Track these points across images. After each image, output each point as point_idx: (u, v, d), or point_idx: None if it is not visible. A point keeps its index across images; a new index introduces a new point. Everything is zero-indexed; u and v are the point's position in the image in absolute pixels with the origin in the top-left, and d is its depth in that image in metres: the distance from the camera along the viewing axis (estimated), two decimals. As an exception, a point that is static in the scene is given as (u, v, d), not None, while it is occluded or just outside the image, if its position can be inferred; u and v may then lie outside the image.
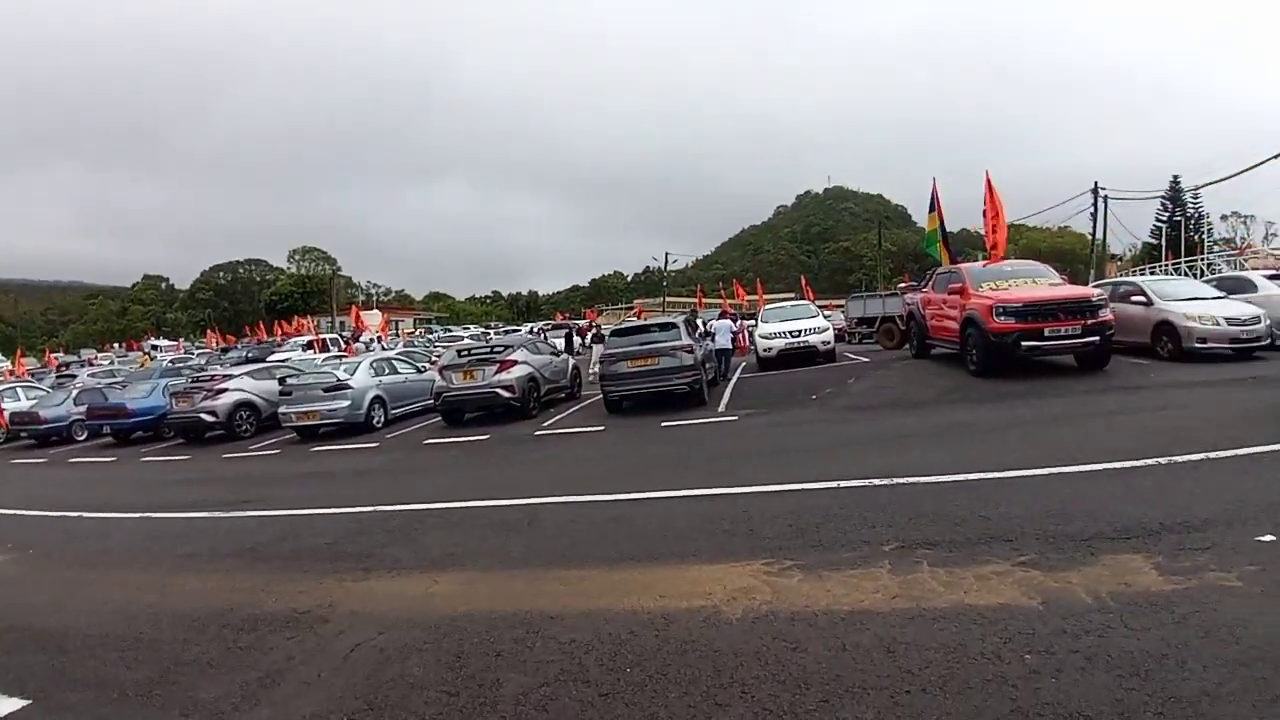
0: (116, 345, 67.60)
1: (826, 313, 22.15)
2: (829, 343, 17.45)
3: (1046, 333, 10.72)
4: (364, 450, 12.30)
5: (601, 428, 11.55)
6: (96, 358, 50.12)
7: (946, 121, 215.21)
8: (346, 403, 14.04)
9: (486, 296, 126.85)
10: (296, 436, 14.49)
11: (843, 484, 6.02)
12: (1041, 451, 6.53)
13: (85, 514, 9.00)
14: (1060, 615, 3.29)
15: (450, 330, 56.91)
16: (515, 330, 45.02)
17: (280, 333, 50.56)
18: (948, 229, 17.04)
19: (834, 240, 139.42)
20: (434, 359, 19.07)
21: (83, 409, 18.67)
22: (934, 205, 16.97)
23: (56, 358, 50.91)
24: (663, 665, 3.24)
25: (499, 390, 13.17)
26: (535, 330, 37.69)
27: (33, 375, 32.80)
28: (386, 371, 15.79)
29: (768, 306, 23.39)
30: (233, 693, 3.52)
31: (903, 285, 26.35)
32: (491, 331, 46.53)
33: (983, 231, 16.26)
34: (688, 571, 4.40)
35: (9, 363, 47.69)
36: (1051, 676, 2.81)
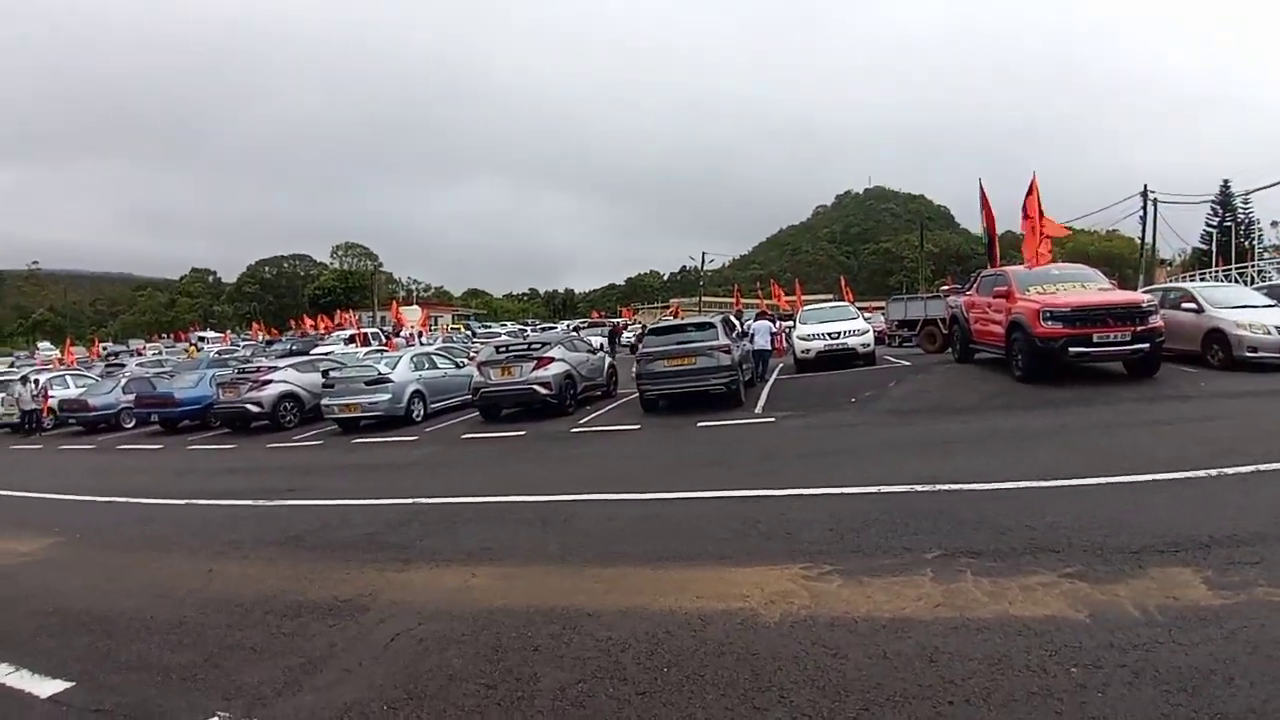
0: (164, 336, 69.75)
1: (866, 315, 21.85)
2: (869, 345, 17.22)
3: (1095, 339, 10.45)
4: (404, 443, 12.49)
5: (637, 426, 11.56)
6: (144, 348, 51.85)
7: (990, 123, 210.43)
8: (387, 396, 14.27)
9: (524, 294, 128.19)
10: (338, 428, 14.76)
11: (883, 489, 5.93)
12: (1088, 460, 6.38)
13: (132, 500, 9.28)
14: (1107, 628, 3.22)
15: (488, 326, 57.62)
16: (552, 328, 45.36)
17: (323, 326, 51.66)
18: (995, 231, 16.83)
19: (874, 241, 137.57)
20: (472, 355, 19.28)
21: (131, 397, 19.27)
22: (984, 206, 16.77)
23: (105, 347, 52.65)
24: (700, 666, 3.22)
25: (536, 387, 13.27)
26: (572, 328, 37.98)
27: (80, 364, 34.01)
28: (426, 366, 16.02)
29: (806, 308, 23.19)
30: (276, 678, 3.59)
31: (945, 288, 25.87)
32: (528, 328, 46.99)
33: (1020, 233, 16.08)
34: (724, 573, 4.38)
35: (57, 351, 49.65)
36: (1098, 690, 2.74)
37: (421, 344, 28.22)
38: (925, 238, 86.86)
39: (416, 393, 14.93)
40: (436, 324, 58.92)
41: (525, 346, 14.59)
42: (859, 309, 22.17)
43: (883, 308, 28.41)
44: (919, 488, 5.85)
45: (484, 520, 6.52)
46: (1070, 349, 10.51)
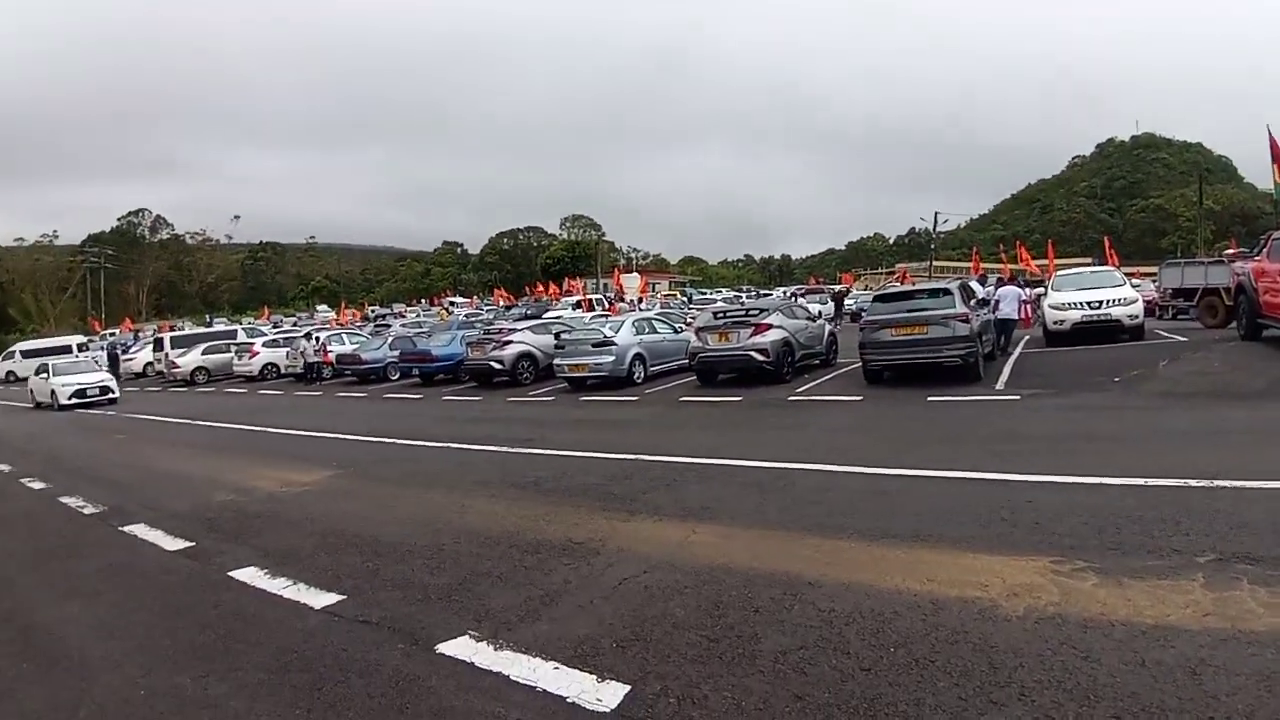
0: (420, 301, 78.84)
1: (1134, 281, 19.13)
2: (1136, 316, 14.99)
3: None
4: (626, 403, 13.15)
5: (859, 398, 11.18)
6: (405, 311, 59.66)
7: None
8: (611, 358, 15.05)
9: (738, 260, 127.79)
10: (568, 386, 15.84)
11: (1150, 482, 5.23)
12: None
13: (398, 441, 10.63)
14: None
15: (704, 293, 58.44)
16: (767, 294, 44.95)
17: (553, 293, 55.67)
18: None
19: (1143, 197, 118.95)
20: (689, 320, 19.70)
21: (396, 353, 22.14)
22: (1276, 158, 14.06)
23: (372, 310, 61.53)
24: (930, 652, 3.09)
25: (753, 353, 13.25)
26: (790, 294, 37.47)
27: (352, 325, 39.95)
28: (646, 331, 16.65)
29: (1061, 273, 20.77)
30: (518, 605, 3.99)
31: (1230, 252, 21.89)
32: (743, 295, 47.03)
33: None
34: (958, 558, 4.13)
35: (333, 313, 58.93)
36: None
37: (641, 310, 29.36)
38: (1204, 193, 73.35)
39: (638, 355, 15.58)
40: (655, 290, 60.85)
41: (743, 312, 14.63)
42: (1125, 275, 19.49)
43: (1153, 274, 24.74)
44: (1193, 482, 5.09)
45: (703, 480, 6.71)
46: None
